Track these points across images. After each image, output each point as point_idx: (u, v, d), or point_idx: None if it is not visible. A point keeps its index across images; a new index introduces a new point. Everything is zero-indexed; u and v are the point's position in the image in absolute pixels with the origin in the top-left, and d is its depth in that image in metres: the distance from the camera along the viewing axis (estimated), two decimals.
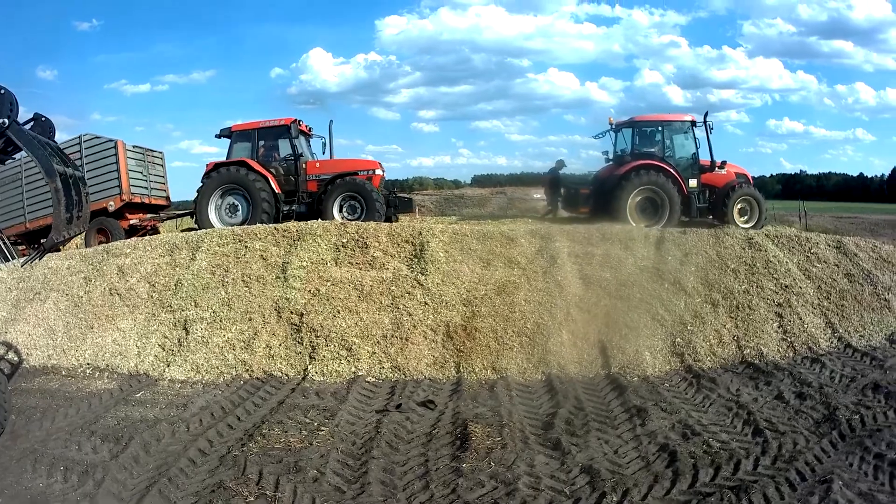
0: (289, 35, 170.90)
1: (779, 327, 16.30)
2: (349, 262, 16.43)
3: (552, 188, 27.63)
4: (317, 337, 14.36)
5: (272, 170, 22.55)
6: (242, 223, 21.38)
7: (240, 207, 22.11)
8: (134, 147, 24.25)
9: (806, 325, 16.47)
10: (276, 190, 22.19)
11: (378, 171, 23.25)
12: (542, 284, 16.15)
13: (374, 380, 13.60)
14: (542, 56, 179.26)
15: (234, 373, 13.57)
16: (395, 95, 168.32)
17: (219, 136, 23.53)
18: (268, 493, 8.34)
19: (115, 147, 23.38)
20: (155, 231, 24.93)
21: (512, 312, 15.27)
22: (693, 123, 24.12)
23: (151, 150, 25.46)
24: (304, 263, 16.21)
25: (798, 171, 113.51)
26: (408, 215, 26.71)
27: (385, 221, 21.10)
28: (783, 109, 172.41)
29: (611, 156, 25.04)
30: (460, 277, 16.11)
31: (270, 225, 18.74)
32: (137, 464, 9.10)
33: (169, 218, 26.59)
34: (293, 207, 22.48)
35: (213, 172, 22.49)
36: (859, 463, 9.51)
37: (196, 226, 22.55)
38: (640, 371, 14.26)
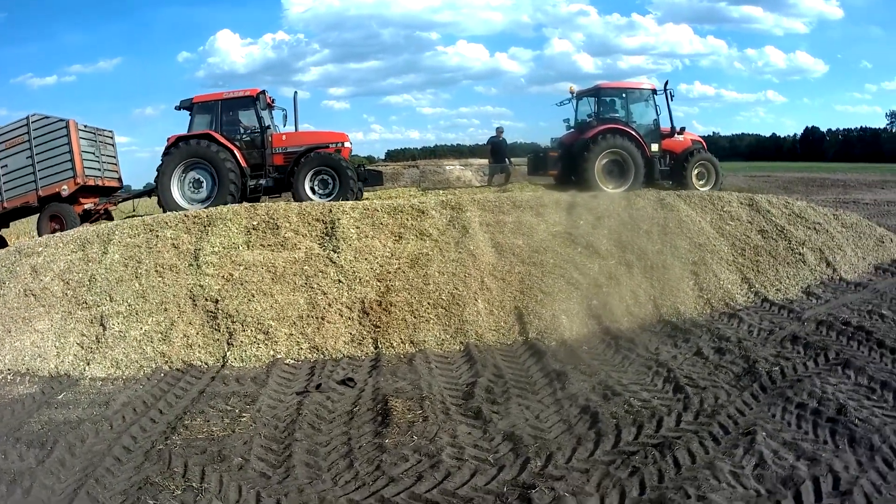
0: (195, 17, 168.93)
1: (695, 285, 16.87)
2: (261, 245, 16.40)
3: (494, 155, 28.84)
4: (233, 323, 14.30)
5: (237, 143, 21.86)
6: (207, 199, 21.08)
7: (204, 183, 21.38)
8: (85, 126, 23.25)
9: (722, 282, 17.06)
10: (242, 164, 21.57)
11: (347, 144, 22.78)
12: (455, 255, 16.31)
13: (293, 361, 13.63)
14: (450, 28, 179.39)
15: (153, 365, 13.44)
16: (304, 74, 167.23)
17: (178, 109, 22.66)
18: (194, 484, 8.40)
19: (67, 127, 22.32)
20: (108, 216, 24.22)
21: (426, 285, 15.41)
22: (654, 91, 25.02)
23: (101, 130, 24.48)
24: (216, 249, 16.09)
25: (711, 133, 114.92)
26: (378, 189, 26.13)
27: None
28: (694, 74, 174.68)
29: (572, 123, 25.86)
30: (373, 253, 16.20)
31: (180, 212, 18.37)
32: (64, 467, 9.05)
33: (126, 199, 25.46)
34: (260, 182, 22.00)
35: (174, 147, 21.47)
36: (782, 413, 9.92)
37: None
38: (558, 335, 14.51)
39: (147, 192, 24.65)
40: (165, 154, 21.49)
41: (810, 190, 45.75)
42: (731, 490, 7.78)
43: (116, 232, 16.76)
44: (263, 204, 18.61)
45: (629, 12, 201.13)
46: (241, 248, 16.24)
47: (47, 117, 22.51)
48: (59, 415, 11.14)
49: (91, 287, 15.23)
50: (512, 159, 29.20)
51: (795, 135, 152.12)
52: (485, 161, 30.17)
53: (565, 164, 24.98)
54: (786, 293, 17.29)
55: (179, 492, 8.26)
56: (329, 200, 20.68)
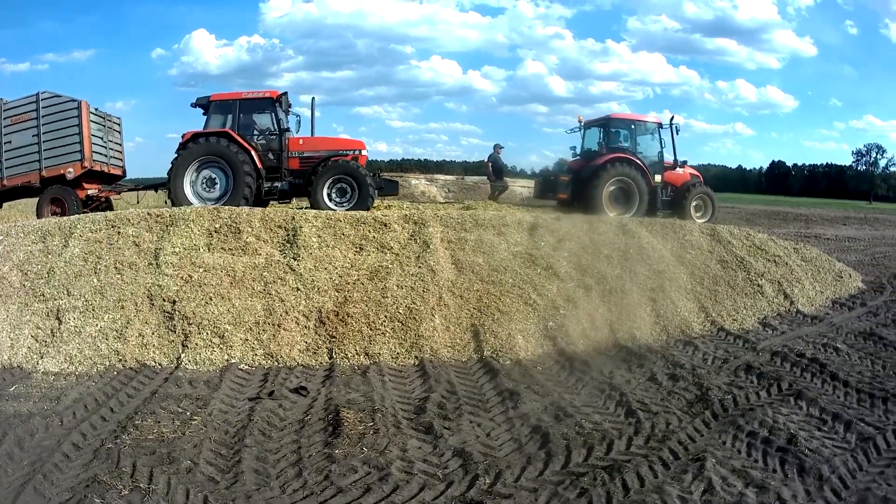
0: (172, 15, 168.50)
1: (652, 311, 17.05)
2: (222, 248, 16.33)
3: (496, 172, 29.70)
4: (189, 325, 14.25)
5: (253, 144, 21.59)
6: (221, 198, 20.90)
7: (218, 182, 21.14)
8: (96, 110, 22.92)
9: (679, 310, 17.28)
10: (259, 165, 21.38)
11: (364, 152, 22.67)
12: (415, 270, 16.33)
13: (247, 367, 13.61)
14: (425, 43, 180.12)
15: (107, 363, 13.36)
16: (276, 79, 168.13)
17: (195, 106, 22.30)
18: (142, 485, 8.40)
19: (79, 108, 21.98)
20: (109, 205, 23.89)
21: (384, 298, 15.43)
22: (660, 125, 26.24)
23: (110, 116, 24.15)
24: (177, 249, 16.01)
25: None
26: (393, 198, 26.08)
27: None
28: (664, 102, 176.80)
29: (578, 151, 27.02)
30: (333, 263, 16.20)
31: (144, 210, 18.20)
32: (12, 461, 9.04)
33: (131, 190, 25.25)
34: (275, 185, 21.85)
35: (191, 143, 21.18)
36: (732, 441, 10.08)
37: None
38: (513, 355, 14.60)
39: (154, 185, 24.46)
40: (181, 149, 21.22)
41: (773, 223, 46.26)
42: None
43: (78, 226, 16.63)
44: (227, 207, 18.46)
45: (604, 38, 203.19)
46: (201, 250, 16.17)
47: (58, 96, 22.14)
48: (10, 407, 11.08)
49: (49, 280, 15.11)
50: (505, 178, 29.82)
51: (762, 168, 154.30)
52: (450, 177, 30.59)
53: (575, 188, 25.50)
54: (742, 323, 17.53)
55: (127, 492, 8.25)
56: (347, 209, 20.67)
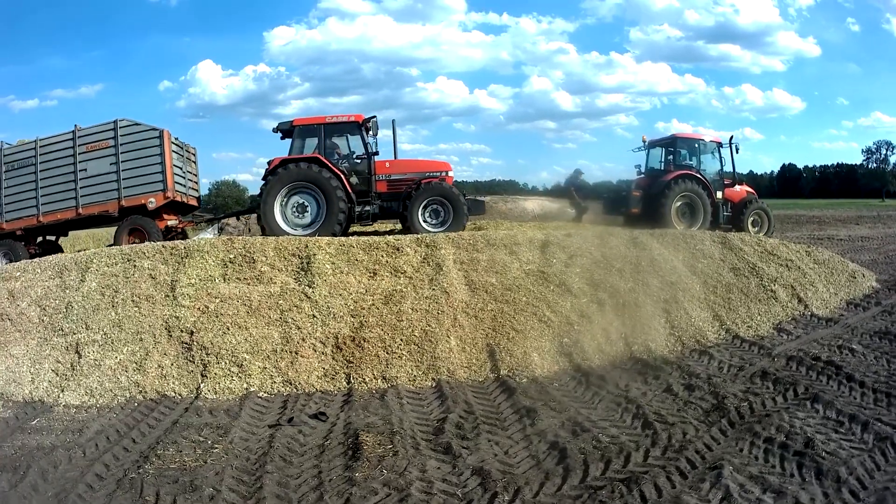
0: (177, 46, 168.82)
1: (666, 322, 17.09)
2: (237, 278, 16.39)
3: (577, 193, 29.98)
4: (207, 355, 14.33)
5: (341, 168, 21.65)
6: (311, 224, 21.00)
7: (309, 208, 21.16)
8: (176, 139, 22.84)
9: (693, 319, 17.32)
10: (349, 190, 21.38)
11: (450, 173, 22.77)
12: (429, 292, 16.40)
13: (266, 395, 13.67)
14: (430, 65, 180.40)
15: (127, 395, 13.45)
16: (284, 107, 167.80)
17: (276, 131, 22.28)
18: None
19: (161, 137, 21.93)
20: (184, 235, 23.65)
21: (399, 321, 15.48)
22: (720, 145, 28.09)
23: (187, 145, 24.15)
24: (193, 281, 16.08)
25: None
26: (480, 218, 26.05)
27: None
28: (672, 111, 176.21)
29: (643, 169, 28.83)
30: (347, 289, 16.26)
31: (158, 243, 18.31)
32: (37, 492, 9.13)
33: (211, 220, 25.28)
34: (366, 209, 21.83)
35: (280, 169, 21.13)
36: (749, 448, 10.10)
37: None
38: (529, 372, 14.59)
39: (236, 213, 24.51)
40: (269, 176, 21.16)
41: (786, 226, 46.16)
42: None
43: (94, 260, 16.72)
44: (241, 238, 18.59)
45: (608, 51, 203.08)
46: (217, 280, 16.25)
47: (138, 124, 22.09)
48: (33, 440, 11.18)
49: (67, 314, 15.20)
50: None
51: (773, 172, 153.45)
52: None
53: (645, 203, 26.83)
54: (757, 330, 17.57)
55: None
56: (442, 231, 20.84)
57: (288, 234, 20.27)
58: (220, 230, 24.90)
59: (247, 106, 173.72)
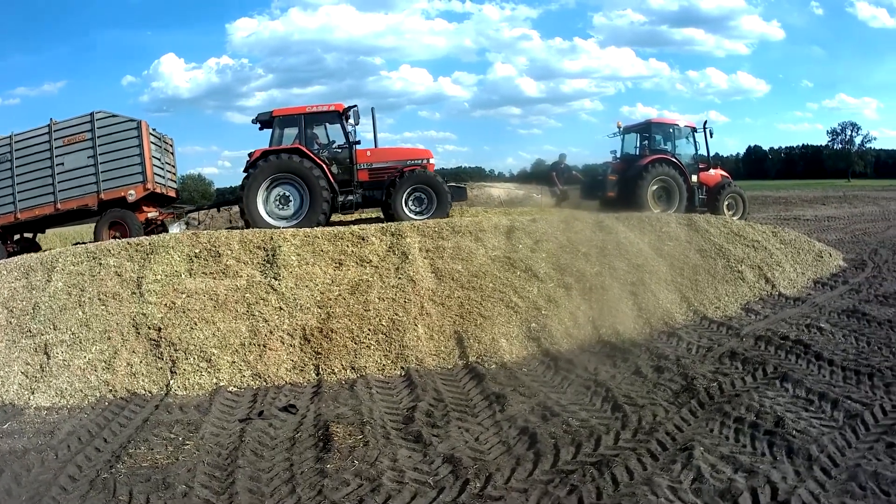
0: (139, 40, 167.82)
1: (633, 305, 17.24)
2: (203, 273, 16.34)
3: (558, 178, 31.03)
4: (176, 351, 14.29)
5: (323, 158, 21.59)
6: (295, 215, 20.93)
7: (292, 199, 21.03)
8: (154, 130, 22.48)
9: (660, 301, 17.53)
10: (331, 180, 21.26)
11: (431, 160, 22.70)
12: (395, 281, 16.45)
13: (235, 389, 13.67)
14: (394, 53, 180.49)
15: (97, 394, 13.38)
16: (248, 99, 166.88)
17: (255, 122, 22.16)
18: None
19: (139, 128, 21.55)
20: (164, 228, 23.48)
21: (366, 311, 15.53)
22: (693, 129, 28.49)
23: (165, 136, 23.79)
24: (159, 277, 16.01)
25: None
26: (461, 204, 25.90)
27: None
28: (636, 96, 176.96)
29: (618, 154, 29.17)
30: (313, 280, 16.28)
31: (124, 240, 18.09)
32: (10, 497, 9.12)
33: (190, 212, 25.04)
34: (349, 198, 21.76)
35: (261, 161, 20.98)
36: (720, 428, 10.25)
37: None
38: (498, 358, 14.67)
39: (217, 204, 24.50)
40: (250, 168, 21.07)
41: (752, 207, 46.29)
42: None
43: (60, 259, 16.61)
44: (206, 232, 18.53)
45: (571, 36, 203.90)
46: (183, 275, 16.19)
47: (116, 115, 21.76)
48: (4, 444, 11.11)
49: (35, 315, 15.10)
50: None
51: (738, 154, 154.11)
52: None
53: (621, 187, 27.23)
54: (725, 310, 17.79)
55: None
56: (426, 218, 20.88)
57: (272, 226, 20.19)
58: (187, 224, 24.77)
59: (210, 99, 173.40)
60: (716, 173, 28.93)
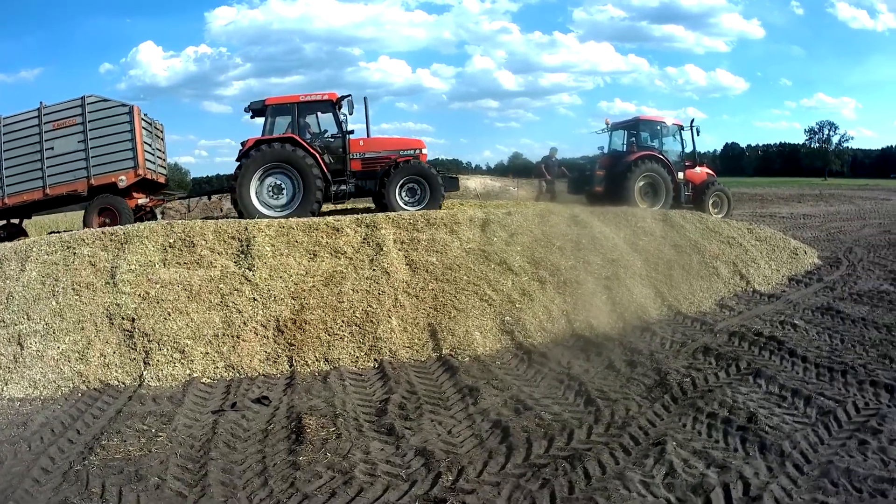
0: (117, 27, 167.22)
1: (608, 300, 17.30)
2: (177, 263, 16.29)
3: (549, 172, 31.62)
4: (149, 341, 14.26)
5: (316, 147, 21.39)
6: (288, 205, 20.86)
7: (285, 189, 20.92)
8: (145, 116, 22.21)
9: (635, 296, 17.63)
10: (324, 169, 21.16)
11: (424, 151, 22.66)
12: (369, 273, 16.48)
13: (209, 380, 13.67)
14: (373, 44, 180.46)
15: (70, 385, 13.33)
16: (226, 88, 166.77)
17: (248, 111, 22.01)
18: None
19: (131, 113, 21.30)
20: (153, 214, 23.43)
21: (340, 303, 15.56)
22: (681, 127, 29.02)
23: (155, 122, 23.57)
24: (133, 267, 15.94)
25: None
26: (453, 195, 26.28)
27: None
28: (615, 91, 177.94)
29: (606, 150, 29.56)
30: (287, 271, 16.28)
31: (98, 230, 17.86)
32: None
33: (182, 198, 24.98)
34: (342, 188, 21.72)
35: (254, 150, 20.85)
36: (692, 423, 10.34)
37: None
38: (471, 351, 14.77)
39: (208, 193, 24.45)
40: (243, 157, 20.99)
41: None
42: (642, 499, 8.08)
43: (34, 249, 16.48)
44: (180, 221, 18.43)
45: (551, 30, 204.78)
46: (157, 266, 16.12)
47: (107, 100, 21.56)
48: None
49: (8, 305, 14.97)
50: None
51: (716, 150, 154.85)
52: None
53: (609, 182, 27.58)
54: (699, 306, 17.97)
55: None
56: (420, 209, 20.87)
57: (265, 216, 20.12)
58: (163, 214, 24.69)
59: (188, 88, 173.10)
60: (702, 171, 29.30)
